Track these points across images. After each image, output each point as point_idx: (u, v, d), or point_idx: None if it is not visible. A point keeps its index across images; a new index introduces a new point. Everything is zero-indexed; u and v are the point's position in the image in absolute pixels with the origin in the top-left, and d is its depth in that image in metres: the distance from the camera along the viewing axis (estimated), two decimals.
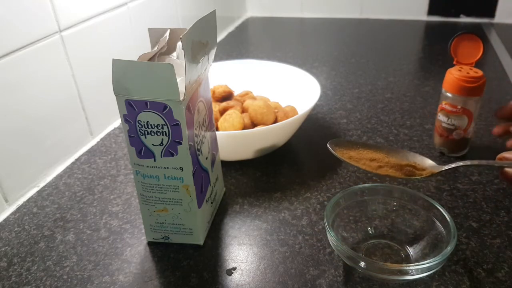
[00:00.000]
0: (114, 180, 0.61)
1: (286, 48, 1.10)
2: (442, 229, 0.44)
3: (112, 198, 0.57)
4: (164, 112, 0.40)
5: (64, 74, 0.64)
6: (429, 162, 0.48)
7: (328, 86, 0.86)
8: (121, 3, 0.74)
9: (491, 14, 1.22)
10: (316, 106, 0.78)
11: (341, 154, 0.47)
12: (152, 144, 0.42)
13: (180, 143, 0.41)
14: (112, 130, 0.74)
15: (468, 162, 0.45)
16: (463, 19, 1.25)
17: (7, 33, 0.53)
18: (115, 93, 0.39)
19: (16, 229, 0.52)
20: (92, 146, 0.69)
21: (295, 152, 0.65)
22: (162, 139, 0.41)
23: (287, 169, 0.61)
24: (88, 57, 0.67)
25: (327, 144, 0.48)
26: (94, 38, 0.69)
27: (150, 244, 0.49)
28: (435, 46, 1.07)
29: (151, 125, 0.40)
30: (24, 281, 0.45)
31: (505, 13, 1.21)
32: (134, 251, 0.48)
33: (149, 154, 0.42)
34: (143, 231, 0.50)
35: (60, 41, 0.62)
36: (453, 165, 0.46)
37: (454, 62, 0.59)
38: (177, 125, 0.40)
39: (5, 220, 0.54)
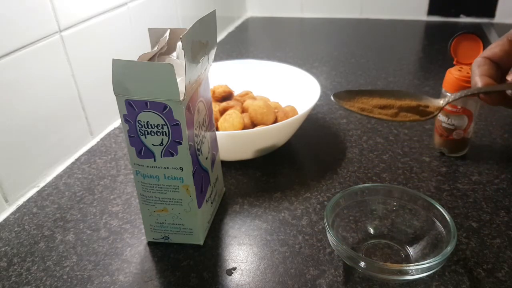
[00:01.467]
0: (114, 180, 0.61)
1: (286, 48, 1.10)
2: (442, 229, 0.44)
3: (112, 198, 0.57)
4: (164, 112, 0.40)
5: (64, 74, 0.64)
6: (428, 99, 0.46)
7: (328, 86, 0.86)
8: (121, 3, 0.74)
9: (491, 14, 1.22)
10: (316, 106, 0.78)
11: (351, 107, 0.44)
12: (152, 144, 0.42)
13: (180, 143, 0.41)
14: (112, 130, 0.74)
15: (475, 91, 0.42)
16: (463, 19, 1.25)
17: (7, 33, 0.53)
18: (115, 93, 0.39)
19: (16, 229, 0.52)
20: (92, 146, 0.69)
21: (295, 152, 0.65)
22: (162, 139, 0.41)
23: (287, 169, 0.61)
24: (88, 57, 0.67)
25: (332, 98, 0.45)
26: (94, 38, 0.69)
27: (150, 244, 0.49)
28: (435, 46, 1.07)
29: (151, 125, 0.40)
30: (24, 281, 0.45)
31: (505, 13, 1.21)
32: (134, 251, 0.48)
33: (149, 154, 0.42)
34: (143, 231, 0.50)
35: (60, 41, 0.62)
36: (458, 95, 0.44)
37: (454, 62, 0.59)
38: (177, 125, 0.40)
39: (5, 220, 0.54)
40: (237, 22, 1.33)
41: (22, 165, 0.58)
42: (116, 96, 0.40)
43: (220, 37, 1.21)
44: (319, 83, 0.65)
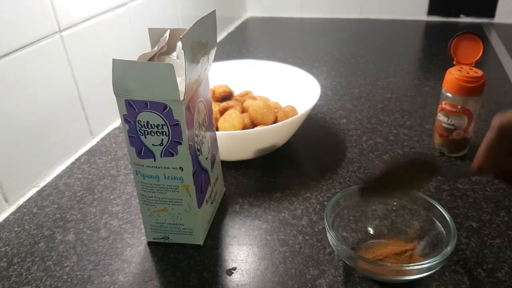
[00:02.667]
0: (114, 180, 0.61)
1: (286, 48, 1.10)
2: (442, 229, 0.44)
3: (112, 198, 0.57)
4: (164, 112, 0.40)
5: (64, 74, 0.63)
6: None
7: (328, 86, 0.86)
8: (121, 3, 0.74)
9: (491, 14, 1.22)
10: (316, 106, 0.78)
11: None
12: (152, 144, 0.42)
13: (180, 143, 0.41)
14: (112, 130, 0.74)
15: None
16: (463, 19, 1.25)
17: (7, 33, 0.53)
18: (115, 93, 0.39)
19: (16, 229, 0.52)
20: (92, 146, 0.69)
21: (295, 152, 0.65)
22: (162, 139, 0.41)
23: (287, 169, 0.61)
24: (88, 57, 0.67)
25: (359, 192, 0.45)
26: (94, 38, 0.69)
27: (150, 244, 0.49)
28: (435, 46, 1.07)
29: (151, 125, 0.40)
30: (24, 281, 0.45)
31: (505, 13, 1.21)
32: (134, 251, 0.48)
33: (149, 154, 0.42)
34: (143, 231, 0.50)
35: (60, 41, 0.62)
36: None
37: (454, 62, 0.59)
38: (177, 125, 0.40)
39: (5, 220, 0.54)
40: (237, 22, 1.33)
41: (22, 165, 0.58)
42: (116, 96, 0.40)
43: (220, 37, 1.21)
44: (319, 83, 0.65)
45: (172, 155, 0.42)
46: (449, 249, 0.40)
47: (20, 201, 0.57)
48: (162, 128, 0.40)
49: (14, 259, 0.48)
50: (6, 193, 0.56)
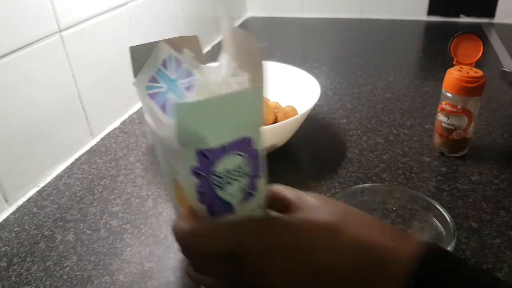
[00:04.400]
0: (114, 180, 0.61)
1: (286, 48, 1.10)
2: (442, 229, 0.44)
3: (112, 198, 0.57)
4: (245, 147, 0.30)
5: (64, 74, 0.64)
6: None
7: (328, 86, 0.86)
8: (121, 3, 0.74)
9: (491, 14, 1.22)
10: (316, 106, 0.78)
11: None
12: (230, 194, 0.30)
13: (259, 176, 0.32)
14: (112, 130, 0.74)
15: None
16: (463, 19, 1.25)
17: (7, 33, 0.53)
18: (180, 144, 0.28)
19: (16, 229, 0.52)
20: (92, 146, 0.69)
21: (295, 152, 0.65)
22: (242, 182, 0.31)
23: (287, 169, 0.61)
24: (88, 57, 0.67)
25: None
26: (94, 38, 0.69)
27: (150, 244, 0.49)
28: (435, 46, 1.07)
29: (230, 171, 0.30)
30: (24, 281, 0.45)
31: (505, 13, 1.21)
32: (134, 251, 0.48)
33: (225, 207, 0.31)
34: (143, 231, 0.50)
35: (60, 41, 0.62)
36: None
37: (454, 62, 0.59)
38: (256, 156, 0.31)
39: (5, 220, 0.54)
40: (237, 22, 1.33)
41: (22, 165, 0.58)
42: (181, 146, 0.28)
43: (219, 37, 1.21)
44: (319, 83, 0.65)
45: (252, 195, 0.32)
46: (449, 249, 0.40)
47: (20, 201, 0.57)
48: (242, 169, 0.30)
49: (14, 259, 0.48)
50: (6, 193, 0.56)
